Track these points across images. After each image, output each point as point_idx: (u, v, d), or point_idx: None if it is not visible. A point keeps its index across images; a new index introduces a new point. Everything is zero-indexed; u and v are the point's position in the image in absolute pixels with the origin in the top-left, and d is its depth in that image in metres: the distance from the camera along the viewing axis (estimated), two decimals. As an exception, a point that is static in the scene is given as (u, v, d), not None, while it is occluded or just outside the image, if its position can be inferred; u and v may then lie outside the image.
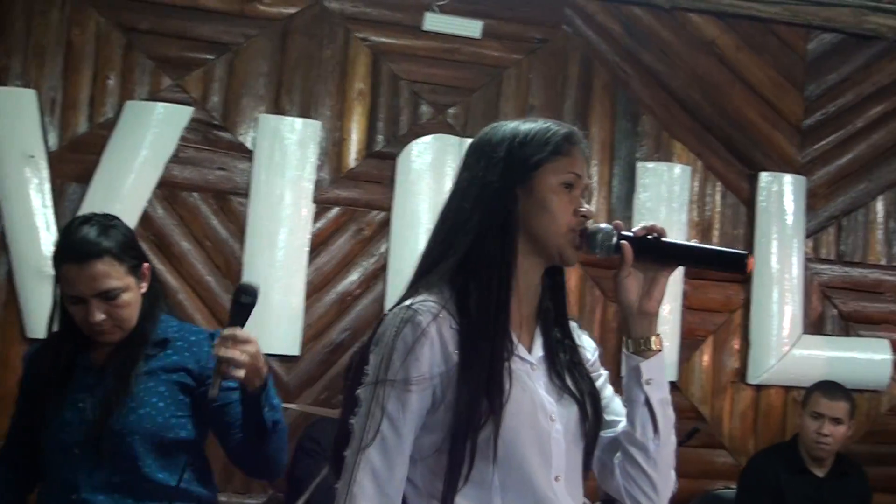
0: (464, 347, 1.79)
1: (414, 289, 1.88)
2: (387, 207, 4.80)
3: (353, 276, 4.78)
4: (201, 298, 4.60)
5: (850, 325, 5.35)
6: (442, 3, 4.88)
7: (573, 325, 2.00)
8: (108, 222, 2.66)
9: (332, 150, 4.78)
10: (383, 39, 4.88)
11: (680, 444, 4.04)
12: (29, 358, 2.79)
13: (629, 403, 1.91)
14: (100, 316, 2.58)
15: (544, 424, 1.84)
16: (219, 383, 2.38)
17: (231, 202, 4.68)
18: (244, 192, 4.66)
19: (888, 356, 5.29)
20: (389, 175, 4.83)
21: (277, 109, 4.73)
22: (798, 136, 5.34)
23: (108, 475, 2.61)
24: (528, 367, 1.87)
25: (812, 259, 5.32)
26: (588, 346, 2.02)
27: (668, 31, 5.18)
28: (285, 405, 4.34)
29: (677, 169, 5.15)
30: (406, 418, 1.80)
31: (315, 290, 4.72)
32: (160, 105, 4.60)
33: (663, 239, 1.88)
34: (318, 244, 4.73)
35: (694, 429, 4.14)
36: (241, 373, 2.39)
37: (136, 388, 2.62)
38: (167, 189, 4.61)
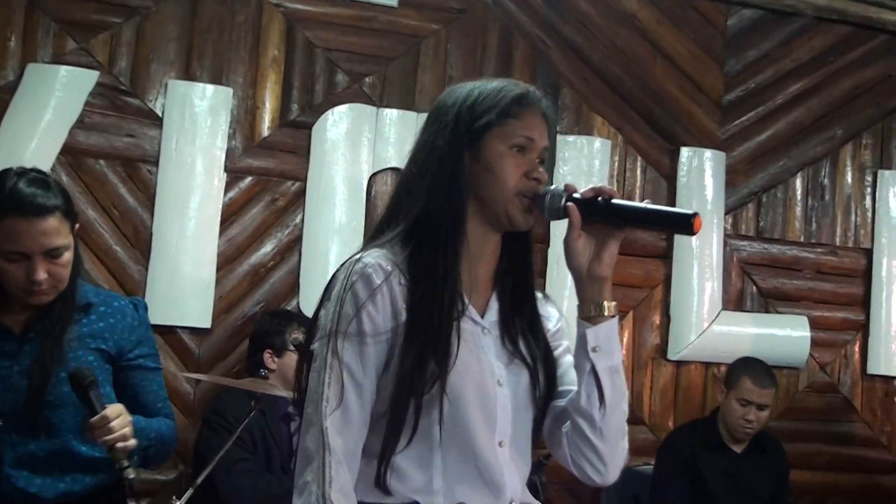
0: (412, 307, 1.78)
1: (366, 249, 1.87)
2: (302, 178, 4.68)
3: (267, 248, 4.66)
4: (108, 269, 4.44)
5: (770, 302, 5.35)
6: (359, -31, 4.78)
7: (539, 294, 1.97)
8: (47, 178, 2.57)
9: (245, 118, 4.65)
10: (298, 6, 4.76)
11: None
12: None
13: (577, 371, 1.86)
14: (42, 274, 2.47)
15: (491, 388, 1.82)
16: (124, 459, 2.45)
17: (140, 170, 4.52)
18: (154, 161, 4.51)
19: (806, 333, 5.30)
20: (304, 145, 4.71)
21: (188, 76, 4.59)
22: (718, 111, 5.33)
23: (34, 448, 2.51)
24: (478, 329, 1.85)
25: (731, 235, 5.32)
26: (550, 316, 1.99)
27: (588, 3, 5.13)
28: (192, 375, 4.23)
29: (597, 143, 5.10)
30: (365, 370, 1.78)
31: (227, 261, 4.59)
32: (64, 68, 4.43)
33: (613, 200, 1.83)
34: (230, 214, 4.60)
35: None
36: (132, 442, 2.47)
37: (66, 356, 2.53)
38: (72, 156, 4.44)
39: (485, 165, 1.85)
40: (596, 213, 1.83)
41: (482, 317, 1.88)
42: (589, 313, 1.85)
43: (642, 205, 1.86)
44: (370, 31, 4.85)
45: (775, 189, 5.40)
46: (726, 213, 5.28)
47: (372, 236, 1.93)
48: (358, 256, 1.84)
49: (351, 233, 4.67)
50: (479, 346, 1.84)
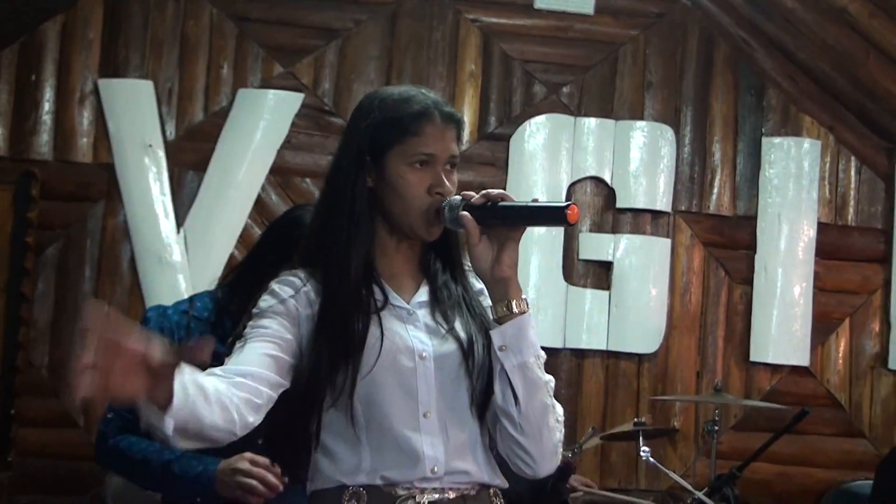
0: (321, 313, 1.89)
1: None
2: (501, 189, 4.72)
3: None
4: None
5: None
6: (553, -20, 4.80)
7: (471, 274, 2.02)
8: None
9: (444, 133, 4.74)
10: (494, 19, 4.83)
11: (787, 427, 3.93)
12: None
13: (494, 372, 1.91)
14: None
15: (406, 363, 1.89)
16: None
17: (343, 187, 4.69)
18: (356, 177, 4.66)
19: None
20: (503, 157, 4.77)
21: (388, 93, 4.73)
22: (939, 105, 5.03)
23: None
24: (402, 312, 1.94)
25: (960, 235, 5.00)
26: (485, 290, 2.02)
27: (794, 0, 4.95)
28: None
29: (806, 144, 4.91)
30: (270, 324, 1.88)
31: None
32: (272, 92, 4.66)
33: (499, 203, 1.86)
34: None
35: (802, 411, 3.91)
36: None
37: None
38: (280, 175, 4.66)
39: (388, 184, 1.91)
40: (488, 217, 1.86)
41: (409, 301, 1.96)
42: (499, 314, 1.88)
43: (522, 203, 1.90)
44: (566, 41, 4.86)
45: None
46: (955, 212, 4.98)
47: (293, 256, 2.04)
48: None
49: (550, 243, 4.69)
50: (401, 327, 1.92)
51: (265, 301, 1.92)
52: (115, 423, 2.61)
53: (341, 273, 1.90)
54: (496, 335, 1.87)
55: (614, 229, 4.81)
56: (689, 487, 3.81)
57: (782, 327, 4.84)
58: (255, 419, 1.82)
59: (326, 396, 1.87)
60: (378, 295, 1.92)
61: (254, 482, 2.43)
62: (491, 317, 1.93)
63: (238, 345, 1.87)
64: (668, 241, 4.84)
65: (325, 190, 1.98)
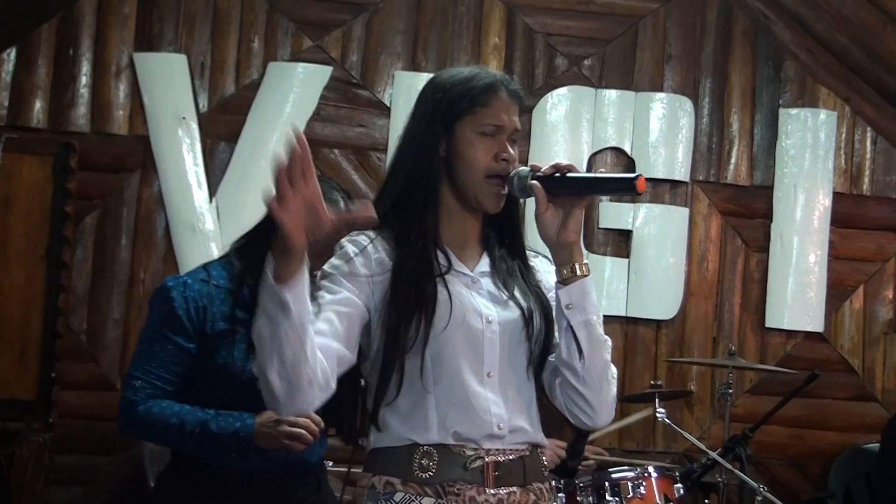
0: (395, 267, 2.01)
1: None
2: (523, 161, 4.83)
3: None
4: (343, 251, 4.76)
5: None
6: (575, -46, 4.89)
7: (531, 253, 2.17)
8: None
9: (469, 104, 4.85)
10: (517, -7, 4.94)
11: (798, 388, 4.04)
12: None
13: (557, 329, 2.05)
14: None
15: (475, 324, 2.01)
16: None
17: (370, 158, 4.83)
18: (383, 148, 4.80)
19: None
20: (525, 128, 4.86)
21: (414, 66, 4.85)
22: (955, 77, 5.11)
23: None
24: (467, 279, 2.07)
25: (976, 204, 5.09)
26: (542, 268, 2.16)
27: (812, -28, 5.03)
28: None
29: (822, 115, 5.01)
30: (339, 289, 1.98)
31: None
32: (301, 65, 4.79)
33: (568, 174, 1.99)
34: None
35: (812, 374, 4.01)
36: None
37: None
38: (310, 147, 4.74)
39: (457, 152, 2.04)
40: (557, 186, 1.99)
41: (472, 270, 2.09)
42: (563, 276, 2.02)
43: (593, 174, 2.07)
44: (588, 14, 4.96)
45: None
46: (970, 182, 5.07)
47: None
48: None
49: (571, 212, 4.80)
50: (467, 292, 2.04)
51: (333, 263, 2.02)
52: (145, 390, 2.68)
53: (415, 236, 2.02)
54: (563, 294, 2.01)
55: (633, 199, 4.91)
56: (704, 448, 3.95)
57: (797, 294, 4.95)
58: (330, 390, 1.90)
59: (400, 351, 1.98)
60: (443, 260, 2.04)
61: (301, 430, 2.55)
62: (545, 288, 2.09)
63: (313, 309, 1.91)
64: (686, 211, 4.95)
65: (398, 157, 2.10)
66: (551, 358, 2.08)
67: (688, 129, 4.94)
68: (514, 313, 2.05)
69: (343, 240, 2.03)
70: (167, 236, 4.73)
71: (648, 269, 4.90)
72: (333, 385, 1.90)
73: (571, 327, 2.00)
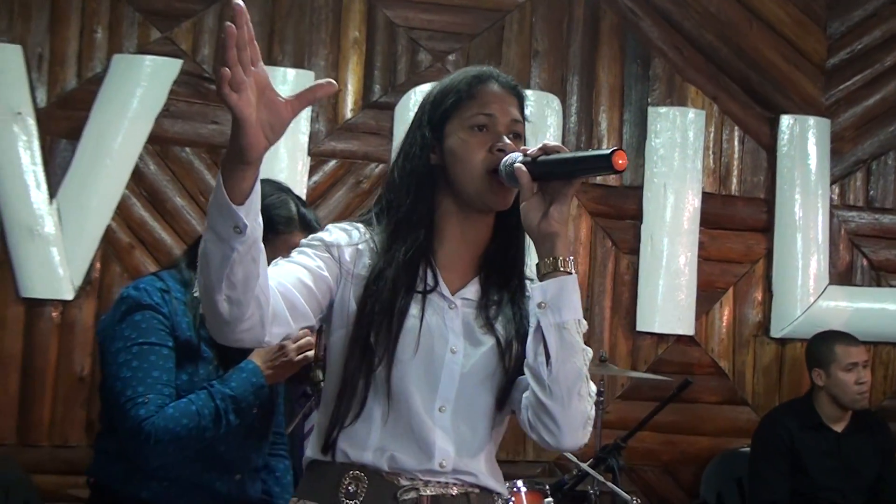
0: (372, 277, 1.87)
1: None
2: (386, 159, 4.64)
3: (352, 231, 4.64)
4: (196, 255, 4.49)
5: (882, 275, 5.10)
6: (439, -54, 4.71)
7: (531, 276, 1.97)
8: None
9: (328, 101, 4.63)
10: (378, -15, 4.73)
11: (671, 397, 3.94)
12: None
13: (530, 332, 1.86)
14: None
15: (439, 351, 1.86)
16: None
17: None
18: (237, 146, 4.52)
19: (922, 307, 5.03)
20: (388, 126, 4.67)
21: (270, 60, 4.58)
22: (821, 76, 5.09)
23: None
24: (445, 304, 1.90)
25: (838, 206, 5.08)
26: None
27: (679, -31, 4.96)
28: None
29: (691, 113, 4.93)
30: (312, 259, 1.87)
31: (313, 245, 4.58)
32: (149, 58, 4.49)
33: (541, 157, 1.82)
34: (316, 198, 4.59)
35: (685, 381, 3.90)
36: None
37: None
38: (159, 144, 4.49)
39: (451, 153, 1.91)
40: (538, 169, 1.82)
41: (454, 294, 1.92)
42: (543, 270, 1.84)
43: (570, 154, 1.85)
44: (452, 8, 4.78)
45: (885, 156, 5.14)
46: (832, 183, 5.05)
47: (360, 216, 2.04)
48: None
49: (437, 213, 4.63)
50: (440, 317, 1.89)
51: (317, 236, 1.92)
52: (155, 402, 2.56)
53: (406, 247, 1.88)
54: (537, 291, 1.82)
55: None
56: (574, 459, 3.79)
57: (668, 297, 4.85)
58: (276, 333, 1.74)
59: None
60: (430, 279, 1.90)
61: (307, 337, 2.63)
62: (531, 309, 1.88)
63: (276, 261, 1.83)
64: (554, 212, 4.80)
65: (391, 173, 1.99)
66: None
67: (555, 128, 4.80)
68: (485, 348, 1.88)
69: (332, 224, 1.95)
70: (2, 241, 4.37)
71: (517, 271, 4.73)
72: (293, 324, 1.75)
73: (541, 328, 1.80)
